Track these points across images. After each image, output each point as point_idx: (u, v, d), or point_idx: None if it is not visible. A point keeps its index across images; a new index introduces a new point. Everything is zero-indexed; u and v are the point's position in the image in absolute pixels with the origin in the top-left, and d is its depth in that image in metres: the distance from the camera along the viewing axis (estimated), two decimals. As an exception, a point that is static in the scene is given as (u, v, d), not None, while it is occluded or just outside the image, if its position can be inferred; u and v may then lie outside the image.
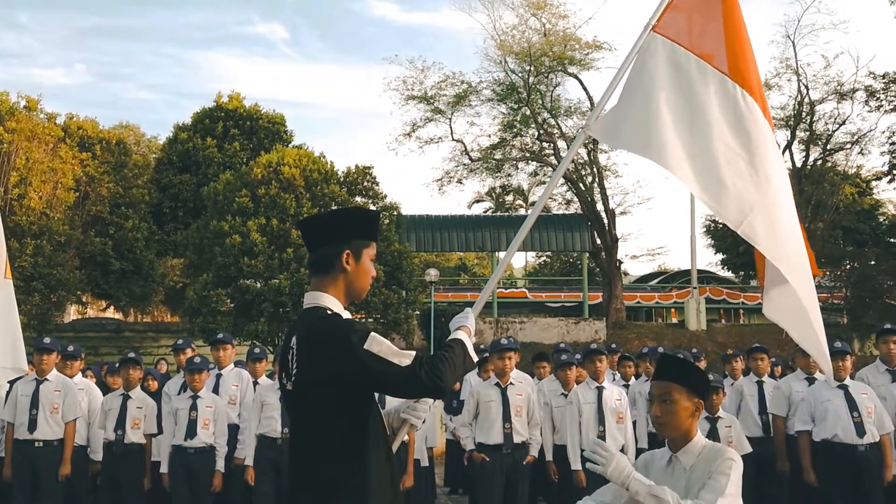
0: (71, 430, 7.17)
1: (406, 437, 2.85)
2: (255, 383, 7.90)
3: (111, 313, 33.50)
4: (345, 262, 2.78)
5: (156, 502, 7.19)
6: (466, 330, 2.88)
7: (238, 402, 7.79)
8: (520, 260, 49.90)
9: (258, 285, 18.76)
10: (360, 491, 2.61)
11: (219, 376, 7.88)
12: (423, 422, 2.95)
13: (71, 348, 7.88)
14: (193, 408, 6.99)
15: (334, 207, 20.75)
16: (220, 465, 7.04)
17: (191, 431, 6.94)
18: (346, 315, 2.77)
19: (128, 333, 26.23)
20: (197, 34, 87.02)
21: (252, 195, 19.45)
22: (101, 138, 27.63)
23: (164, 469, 7.01)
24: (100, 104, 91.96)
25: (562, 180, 26.46)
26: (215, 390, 7.66)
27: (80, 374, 7.99)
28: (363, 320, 17.75)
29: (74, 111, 34.46)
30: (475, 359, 2.83)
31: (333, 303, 2.76)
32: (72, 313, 31.53)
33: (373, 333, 2.61)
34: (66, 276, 22.16)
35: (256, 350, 8.39)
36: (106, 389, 8.18)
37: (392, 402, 3.07)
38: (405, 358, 2.57)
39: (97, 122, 29.13)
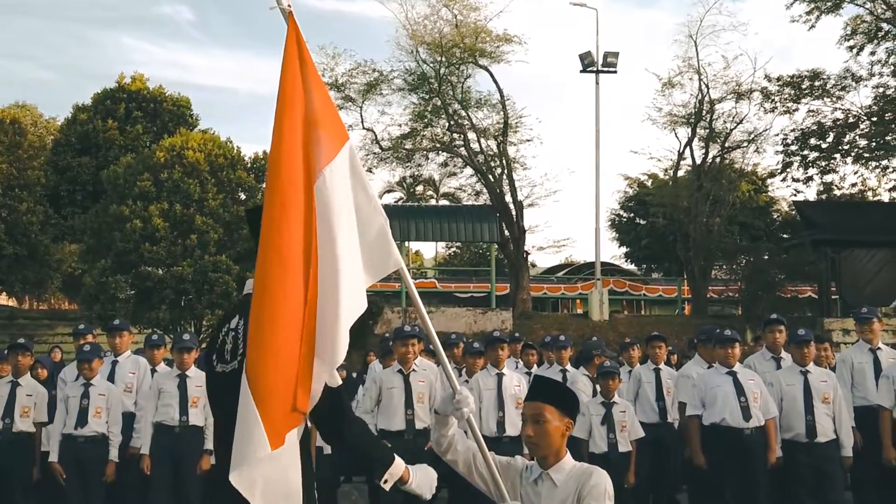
0: (-47, 420, 6.86)
1: (310, 425, 2.87)
2: (154, 371, 7.71)
3: (4, 300, 32.16)
4: None
5: (45, 492, 6.97)
6: (403, 471, 2.94)
7: (134, 390, 7.59)
8: (430, 250, 50.13)
9: (160, 272, 18.28)
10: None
11: (114, 363, 7.65)
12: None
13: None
14: (85, 395, 6.79)
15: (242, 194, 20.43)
16: (114, 454, 6.86)
17: (81, 420, 6.75)
18: None
19: (22, 321, 25.25)
20: (100, 13, 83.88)
21: (154, 179, 18.91)
22: (-7, 117, 26.48)
23: (52, 458, 6.78)
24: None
25: (471, 171, 26.68)
26: (111, 378, 7.42)
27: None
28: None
29: (-35, 88, 32.92)
30: (382, 478, 2.89)
31: None
32: (-40, 300, 30.16)
33: None
34: (-46, 261, 21.16)
35: (154, 337, 8.19)
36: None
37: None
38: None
39: (-10, 100, 27.91)
